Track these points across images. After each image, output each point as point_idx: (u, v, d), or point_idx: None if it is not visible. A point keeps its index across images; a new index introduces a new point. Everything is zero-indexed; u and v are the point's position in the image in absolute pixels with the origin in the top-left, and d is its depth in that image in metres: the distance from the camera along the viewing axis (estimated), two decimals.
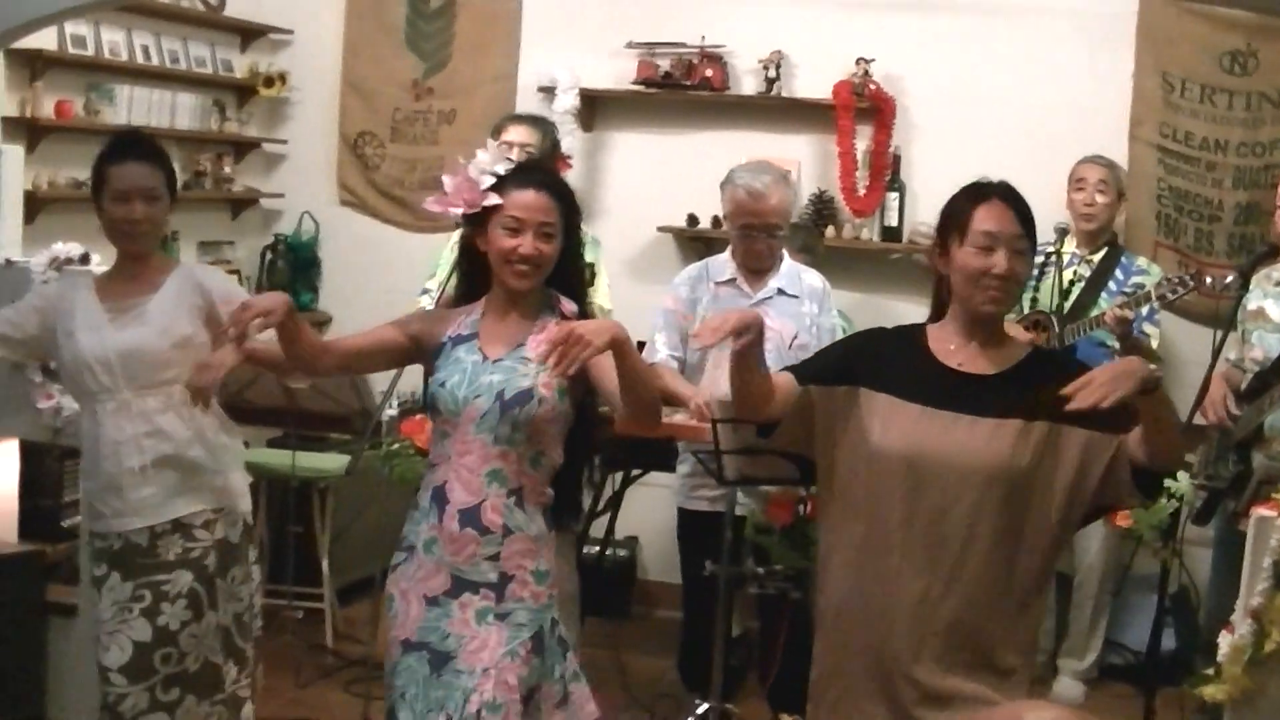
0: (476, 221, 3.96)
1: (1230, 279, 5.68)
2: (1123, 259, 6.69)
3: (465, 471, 3.89)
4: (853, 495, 3.62)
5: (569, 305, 4.02)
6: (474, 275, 4.09)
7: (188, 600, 4.56)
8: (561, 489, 4.05)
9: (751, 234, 5.55)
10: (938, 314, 3.74)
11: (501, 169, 3.93)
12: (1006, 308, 3.63)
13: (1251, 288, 5.74)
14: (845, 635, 3.63)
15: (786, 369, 3.72)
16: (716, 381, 5.36)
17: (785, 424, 3.64)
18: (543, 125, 6.22)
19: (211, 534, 4.63)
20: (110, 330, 4.58)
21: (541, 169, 4.22)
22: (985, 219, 3.53)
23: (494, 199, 3.90)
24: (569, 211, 3.98)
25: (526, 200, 3.89)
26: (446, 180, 3.97)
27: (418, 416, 5.58)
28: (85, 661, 4.89)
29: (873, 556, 3.56)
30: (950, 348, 3.62)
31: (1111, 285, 6.52)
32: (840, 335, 5.81)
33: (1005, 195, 3.60)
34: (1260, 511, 4.42)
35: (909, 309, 7.51)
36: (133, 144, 4.72)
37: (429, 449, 4.11)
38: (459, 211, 3.96)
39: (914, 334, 3.73)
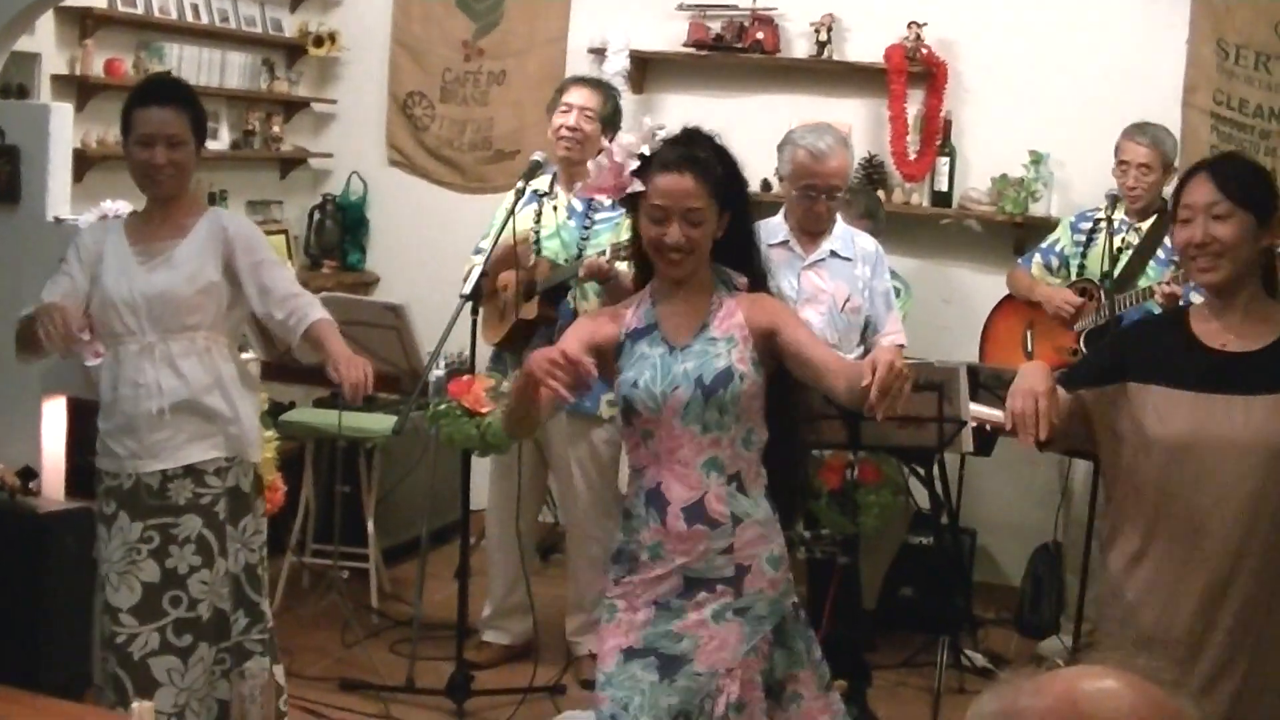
0: (632, 205, 3.79)
1: None
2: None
3: (679, 467, 3.69)
4: (1137, 484, 3.62)
5: (741, 278, 3.84)
6: (647, 258, 3.84)
7: (196, 545, 4.58)
8: (783, 474, 3.91)
9: (812, 195, 5.52)
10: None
11: (647, 149, 3.70)
12: (1223, 274, 3.55)
13: None
14: (1132, 617, 3.63)
15: (1060, 384, 3.69)
16: None
17: (1062, 430, 3.62)
18: (605, 89, 6.26)
19: (223, 481, 4.65)
20: (138, 274, 4.59)
21: (687, 144, 3.79)
22: (1185, 194, 3.56)
23: (638, 185, 3.69)
24: (722, 184, 3.75)
25: (668, 185, 3.67)
26: (591, 164, 3.83)
27: (465, 377, 5.58)
28: None
29: (1160, 542, 3.58)
30: (1213, 328, 3.60)
31: (1160, 253, 6.43)
32: (895, 299, 5.80)
33: (1212, 166, 3.59)
34: None
35: (959, 274, 7.49)
36: (158, 88, 4.72)
37: (631, 454, 3.84)
38: (608, 198, 3.84)
39: (1178, 318, 3.72)
